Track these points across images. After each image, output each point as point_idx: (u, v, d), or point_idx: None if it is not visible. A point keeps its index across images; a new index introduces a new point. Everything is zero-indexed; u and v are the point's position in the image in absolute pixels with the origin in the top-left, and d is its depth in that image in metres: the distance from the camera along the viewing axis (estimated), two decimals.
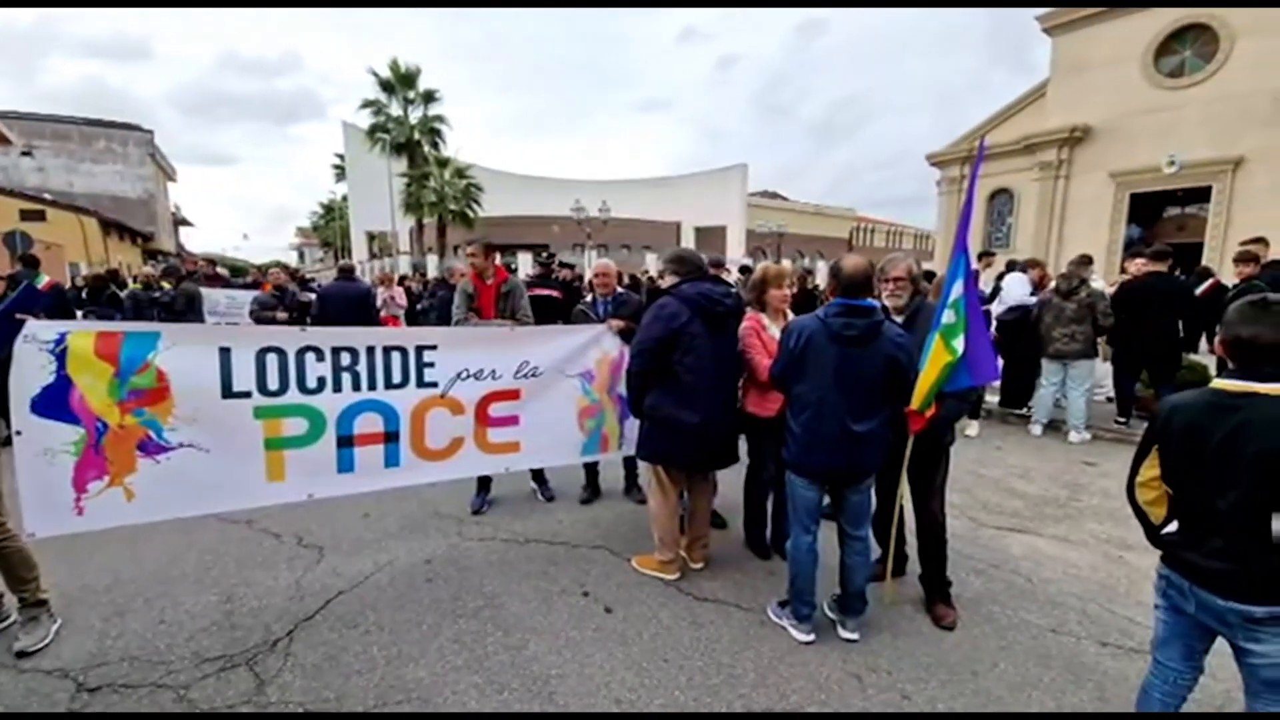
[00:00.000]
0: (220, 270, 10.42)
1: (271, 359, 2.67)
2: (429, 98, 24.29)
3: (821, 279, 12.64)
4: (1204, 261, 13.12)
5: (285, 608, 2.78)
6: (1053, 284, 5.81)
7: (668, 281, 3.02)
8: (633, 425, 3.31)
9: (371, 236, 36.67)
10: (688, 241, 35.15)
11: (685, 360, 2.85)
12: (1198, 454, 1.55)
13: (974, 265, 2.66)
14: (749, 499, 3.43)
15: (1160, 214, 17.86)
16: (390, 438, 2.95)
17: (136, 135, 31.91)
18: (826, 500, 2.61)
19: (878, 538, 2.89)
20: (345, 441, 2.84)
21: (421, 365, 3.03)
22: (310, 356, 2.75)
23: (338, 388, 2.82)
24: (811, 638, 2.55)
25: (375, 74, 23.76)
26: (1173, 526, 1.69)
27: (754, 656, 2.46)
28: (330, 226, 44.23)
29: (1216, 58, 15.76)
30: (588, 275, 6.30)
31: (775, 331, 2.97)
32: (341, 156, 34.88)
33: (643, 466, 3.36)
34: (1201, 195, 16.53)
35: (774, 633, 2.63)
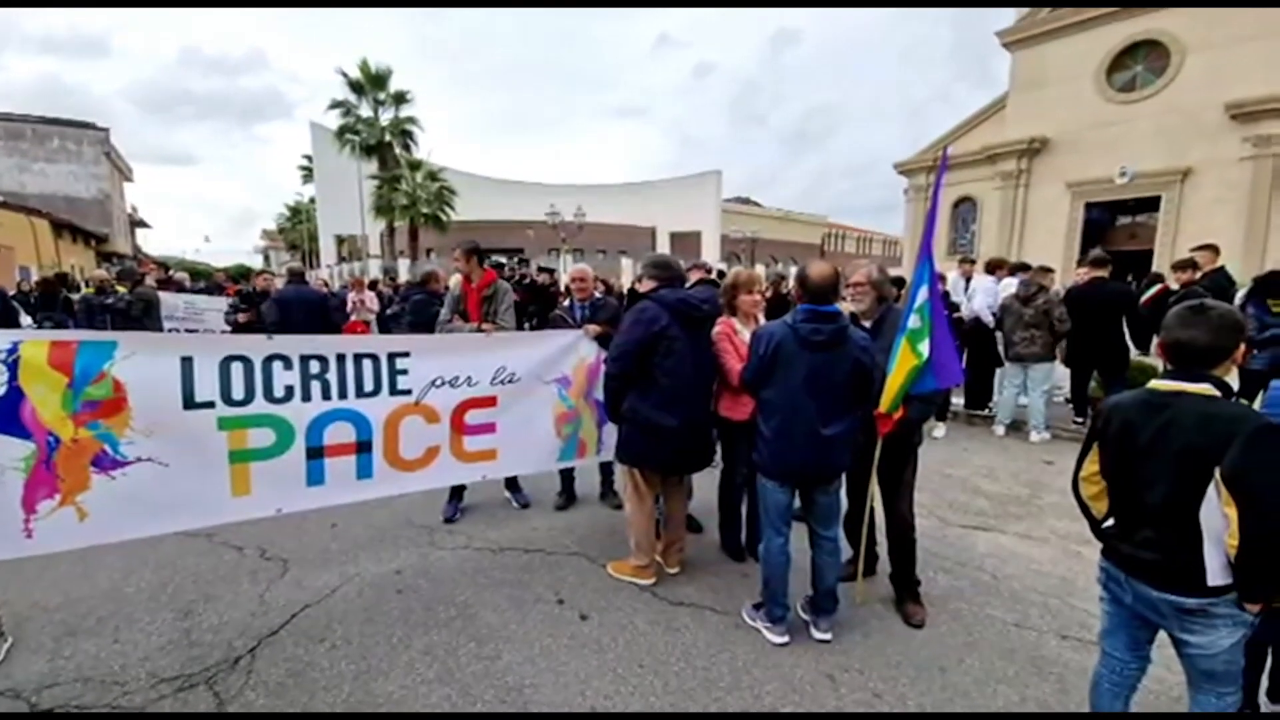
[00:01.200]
0: (176, 274, 9.99)
1: (237, 368, 2.58)
2: (400, 99, 23.91)
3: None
4: (1154, 268, 13.75)
5: (247, 624, 2.70)
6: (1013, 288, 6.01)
7: (647, 286, 3.04)
8: (610, 430, 3.31)
9: (340, 240, 35.87)
10: (663, 246, 35.31)
11: (664, 364, 2.88)
12: (1130, 449, 1.64)
13: (948, 270, 2.73)
14: (724, 502, 3.46)
15: (1114, 222, 18.66)
16: (362, 448, 2.88)
17: (91, 134, 30.68)
18: (798, 503, 2.66)
19: (849, 538, 2.96)
20: (315, 453, 2.76)
21: (394, 373, 2.97)
22: (278, 365, 2.68)
23: (307, 397, 2.74)
24: (785, 639, 2.58)
25: (344, 75, 23.29)
26: (1111, 520, 1.77)
27: (729, 660, 2.48)
28: (297, 229, 43.10)
29: (1167, 72, 16.59)
30: (563, 280, 6.29)
31: (747, 336, 3.01)
32: (309, 158, 34.05)
33: (619, 471, 3.36)
34: (1152, 205, 17.35)
35: (749, 635, 2.65)
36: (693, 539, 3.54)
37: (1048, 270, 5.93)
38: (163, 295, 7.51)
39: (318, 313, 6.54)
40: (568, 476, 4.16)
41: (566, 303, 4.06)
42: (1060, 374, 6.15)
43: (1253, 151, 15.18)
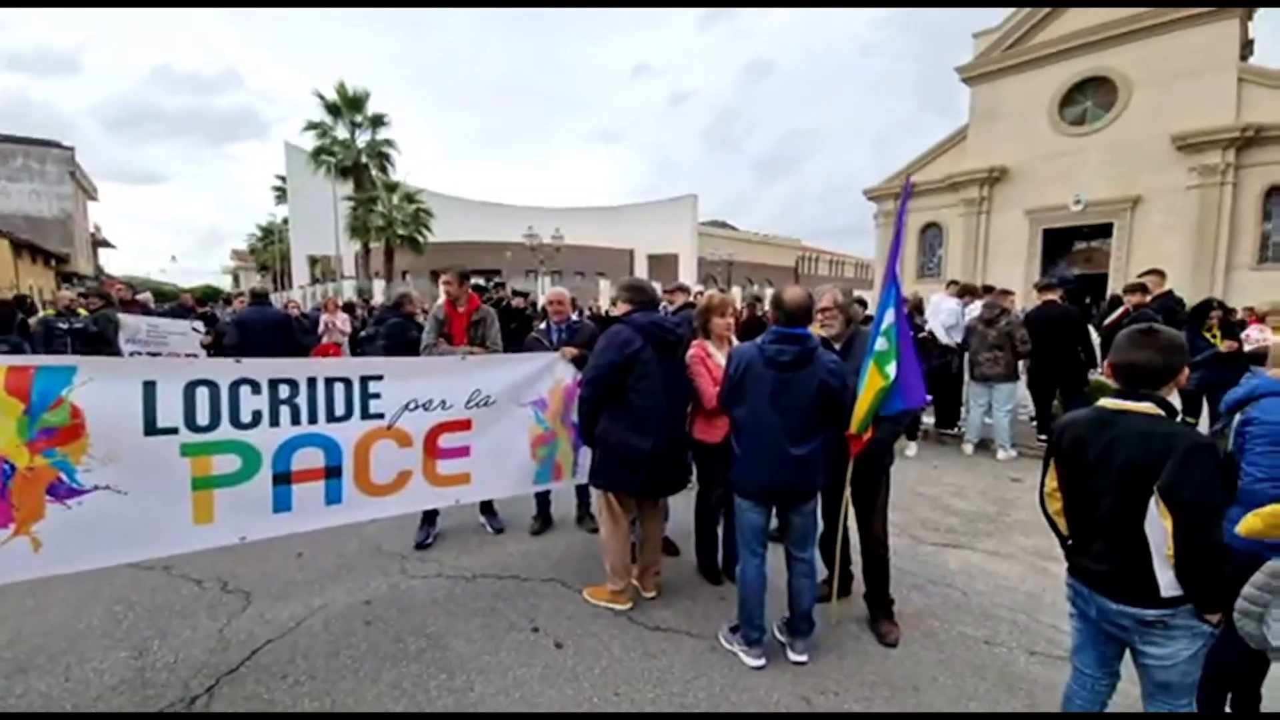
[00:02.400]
0: (141, 295, 9.67)
1: (202, 392, 2.52)
2: (378, 121, 23.95)
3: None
4: (1110, 290, 14.38)
5: (205, 661, 2.58)
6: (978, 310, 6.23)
7: (621, 309, 3.07)
8: (586, 453, 3.31)
9: (314, 260, 35.35)
10: (641, 268, 35.67)
11: (637, 386, 2.90)
12: (1081, 465, 1.71)
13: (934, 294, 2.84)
14: (700, 524, 3.46)
15: (1070, 247, 19.53)
16: (331, 473, 2.82)
17: (56, 152, 29.99)
18: (774, 524, 2.68)
19: (824, 558, 2.98)
20: (282, 478, 2.70)
21: (367, 396, 2.93)
22: (245, 389, 2.62)
23: (275, 421, 2.68)
24: (762, 662, 2.58)
25: (321, 97, 23.28)
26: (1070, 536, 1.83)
27: (706, 685, 2.47)
28: (269, 249, 42.36)
29: (1115, 107, 17.64)
30: (541, 302, 6.30)
31: (720, 359, 3.06)
32: (283, 178, 33.70)
33: (595, 494, 3.35)
34: (1105, 231, 18.24)
35: (725, 659, 2.64)
36: (669, 562, 3.52)
37: (1007, 293, 6.18)
38: (124, 318, 7.25)
39: (280, 334, 6.43)
40: (544, 500, 4.12)
41: (543, 325, 4.07)
42: (1024, 393, 6.37)
43: (1198, 180, 16.14)
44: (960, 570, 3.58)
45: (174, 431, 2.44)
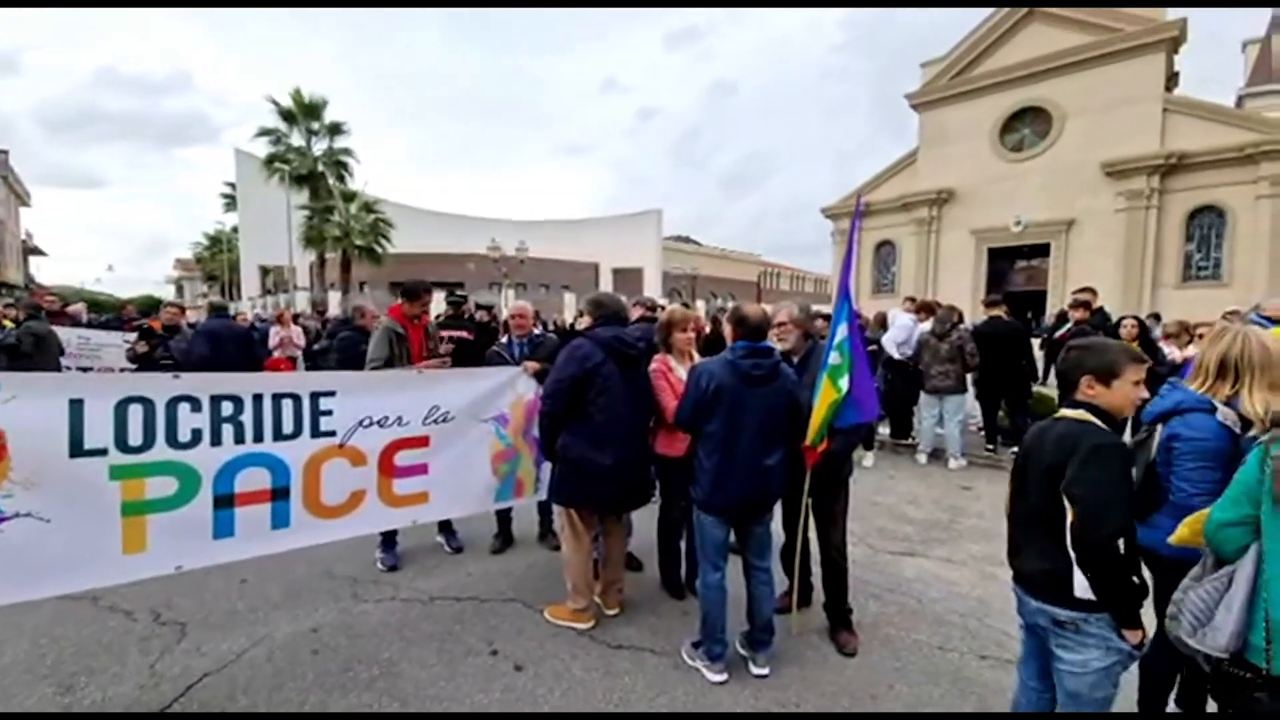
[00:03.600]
0: (73, 306, 9.05)
1: (135, 410, 2.37)
2: (335, 130, 23.33)
3: None
4: (1049, 307, 15.22)
5: (135, 698, 2.41)
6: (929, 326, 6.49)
7: (585, 323, 3.07)
8: (549, 469, 3.26)
9: (266, 270, 34.05)
10: (606, 282, 35.75)
11: (598, 401, 2.89)
12: (1022, 468, 1.83)
13: (857, 308, 2.94)
14: (663, 538, 3.45)
15: (1012, 265, 20.62)
16: (278, 494, 2.69)
17: None
18: (733, 536, 2.70)
19: (785, 570, 3.02)
20: (224, 501, 2.55)
21: (318, 413, 2.81)
22: (184, 407, 2.48)
23: (216, 441, 2.54)
24: (724, 677, 2.57)
25: (275, 103, 22.53)
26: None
27: (668, 703, 2.44)
28: (217, 259, 40.57)
29: (1050, 135, 18.82)
30: (504, 315, 6.22)
31: (682, 373, 3.08)
32: (233, 185, 32.44)
33: (557, 511, 3.30)
34: (1044, 250, 19.34)
35: (688, 676, 2.62)
36: (633, 577, 3.50)
37: (954, 309, 6.47)
38: (54, 330, 6.80)
39: (246, 348, 6.28)
40: (505, 518, 4.04)
41: (505, 339, 4.02)
42: (973, 404, 6.64)
43: (1126, 204, 17.34)
44: (915, 578, 3.67)
45: (103, 453, 2.28)
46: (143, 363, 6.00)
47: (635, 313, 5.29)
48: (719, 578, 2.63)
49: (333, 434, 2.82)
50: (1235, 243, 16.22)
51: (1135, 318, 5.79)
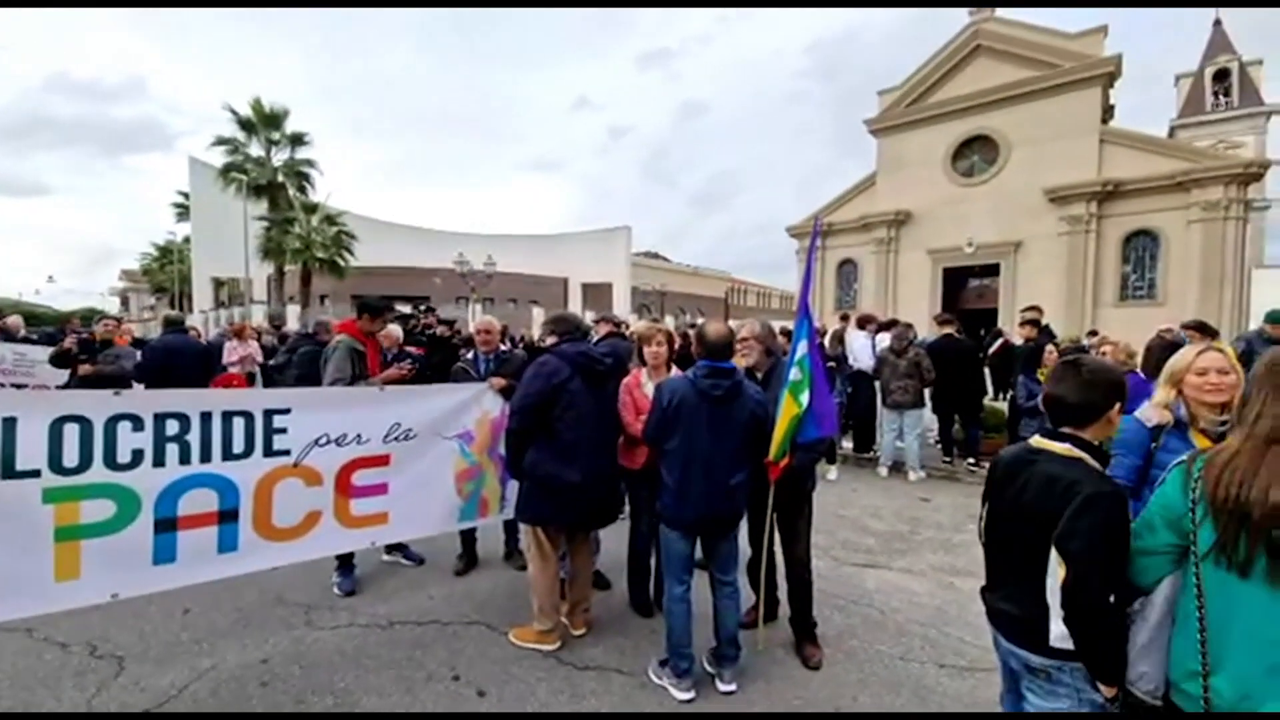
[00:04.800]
0: (9, 320, 8.50)
1: (71, 429, 2.24)
2: (297, 140, 22.77)
3: None
4: (999, 324, 15.92)
5: None
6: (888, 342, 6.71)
7: (549, 341, 3.06)
8: (515, 487, 3.21)
9: (219, 283, 32.77)
10: (575, 297, 35.71)
11: (565, 417, 2.87)
12: (999, 501, 1.66)
13: (818, 324, 3.01)
14: (633, 555, 3.42)
15: (965, 284, 21.53)
16: (226, 517, 2.56)
17: None
18: (699, 551, 2.71)
19: (751, 584, 3.04)
20: (165, 525, 2.42)
21: (271, 431, 2.70)
22: (125, 425, 2.35)
23: (160, 461, 2.41)
24: (691, 695, 2.56)
25: (233, 112, 21.89)
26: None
27: None
28: (166, 270, 38.86)
29: (998, 162, 19.85)
30: (471, 329, 6.14)
31: (650, 389, 3.10)
32: (186, 194, 31.24)
33: (524, 529, 3.25)
34: (994, 270, 20.27)
35: (655, 695, 2.60)
36: (601, 596, 3.46)
37: (909, 326, 6.72)
38: None
39: (205, 365, 6.10)
40: (469, 537, 3.95)
41: (470, 355, 3.97)
42: (930, 418, 6.87)
43: (1067, 228, 18.37)
44: (877, 589, 3.74)
45: (35, 475, 2.15)
46: (86, 380, 5.65)
47: (602, 329, 5.32)
48: (683, 591, 2.63)
49: (286, 453, 2.72)
50: (1168, 264, 17.34)
51: (1055, 343, 6.03)
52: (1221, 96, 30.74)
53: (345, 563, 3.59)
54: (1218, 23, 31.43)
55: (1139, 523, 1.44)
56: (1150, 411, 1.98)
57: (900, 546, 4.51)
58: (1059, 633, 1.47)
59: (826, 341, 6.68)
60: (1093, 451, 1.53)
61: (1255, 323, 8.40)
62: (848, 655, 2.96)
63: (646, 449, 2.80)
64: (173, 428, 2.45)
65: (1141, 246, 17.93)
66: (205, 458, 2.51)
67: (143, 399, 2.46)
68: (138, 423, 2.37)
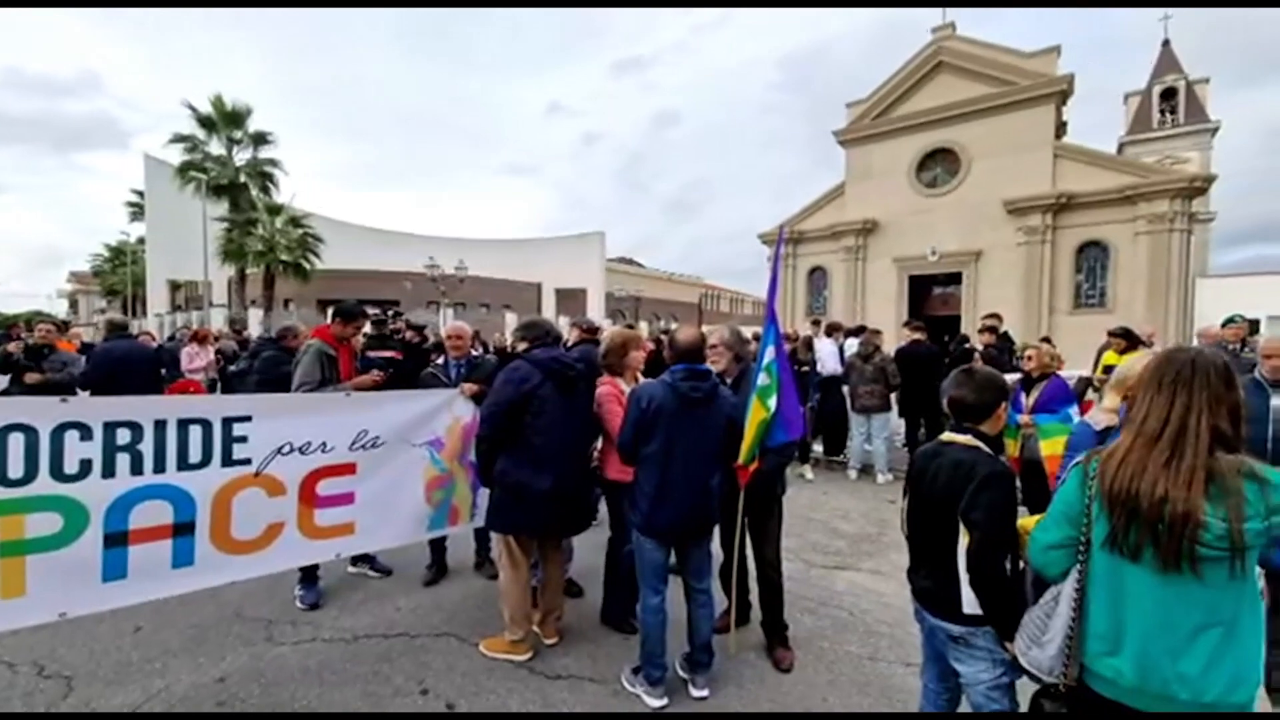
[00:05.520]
0: None
1: (15, 439, 2.13)
2: (260, 139, 22.14)
3: None
4: (962, 330, 16.43)
5: None
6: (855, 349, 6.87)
7: (521, 347, 3.04)
8: (486, 494, 3.17)
9: (176, 285, 31.55)
10: (549, 302, 35.52)
11: (536, 424, 2.85)
12: (916, 489, 1.92)
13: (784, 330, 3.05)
14: (611, 570, 3.30)
15: (930, 292, 22.17)
16: (181, 530, 2.46)
17: None
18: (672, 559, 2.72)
19: (724, 588, 3.06)
20: (116, 539, 2.31)
21: (230, 439, 2.60)
22: (72, 435, 2.24)
23: (110, 472, 2.31)
24: (664, 702, 2.56)
25: (192, 109, 21.15)
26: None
27: None
28: (119, 272, 37.24)
29: (960, 174, 20.52)
30: (442, 334, 6.03)
31: None
32: (142, 194, 30.04)
33: (495, 538, 3.20)
34: (957, 278, 20.93)
35: (628, 702, 2.59)
36: (573, 604, 3.43)
37: (877, 332, 6.90)
38: None
39: (154, 371, 5.87)
40: (439, 546, 3.88)
41: (441, 360, 3.91)
42: (897, 422, 7.05)
43: (1025, 239, 19.09)
44: (847, 591, 3.81)
45: None
46: (32, 389, 5.33)
47: (574, 335, 5.30)
48: (659, 601, 2.63)
49: (247, 462, 2.63)
50: (1117, 274, 18.16)
51: (1045, 339, 6.36)
52: (1168, 114, 32.42)
53: (309, 575, 3.49)
54: (1166, 43, 33.17)
55: (1045, 519, 1.54)
56: (1099, 415, 2.11)
57: (869, 548, 4.60)
58: (969, 598, 1.71)
59: (799, 347, 6.78)
60: (988, 441, 1.82)
61: (1201, 324, 8.90)
62: (818, 657, 3.01)
63: None
64: (124, 437, 2.35)
65: (1093, 257, 18.74)
66: (159, 468, 2.41)
67: (92, 407, 2.35)
68: (86, 431, 2.27)
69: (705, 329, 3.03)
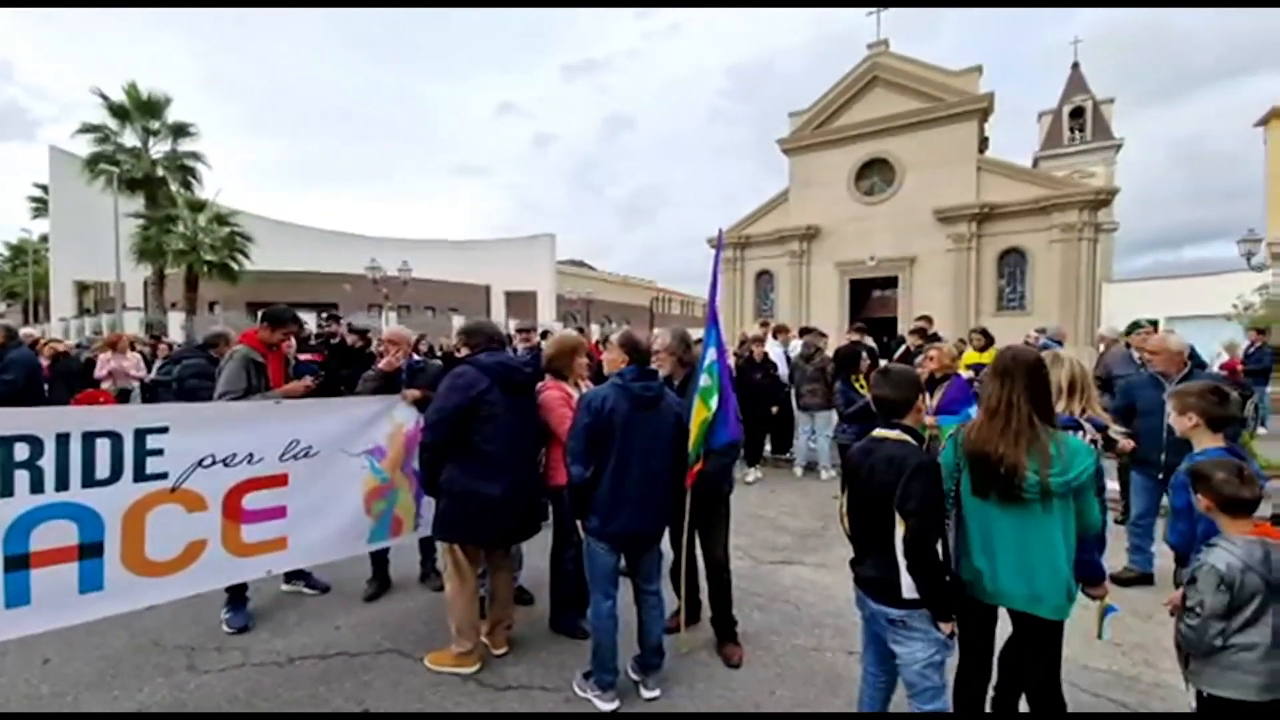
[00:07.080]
0: None
1: None
2: (180, 131, 20.65)
3: None
4: (900, 331, 17.25)
5: None
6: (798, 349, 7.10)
7: (464, 353, 2.96)
8: (430, 503, 3.07)
9: (84, 287, 29.03)
10: (498, 305, 34.84)
11: (484, 430, 2.78)
12: (854, 484, 2.04)
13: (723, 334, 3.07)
14: (558, 578, 3.26)
15: (869, 295, 23.20)
16: (88, 551, 2.26)
17: None
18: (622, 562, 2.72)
19: (675, 588, 3.08)
20: (16, 563, 2.11)
21: (144, 453, 2.41)
22: None
23: (7, 490, 2.10)
24: (615, 704, 2.55)
25: (104, 96, 19.52)
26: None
27: None
28: (19, 273, 33.88)
29: (894, 183, 21.60)
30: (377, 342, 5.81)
31: None
32: (45, 188, 27.49)
33: (440, 548, 3.10)
34: (894, 282, 22.00)
35: (578, 709, 2.57)
36: (523, 611, 3.37)
37: (822, 334, 7.16)
38: None
39: (38, 380, 5.32)
40: (381, 559, 3.72)
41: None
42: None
43: (953, 245, 20.29)
44: (793, 585, 3.92)
45: None
46: None
47: (531, 339, 5.24)
48: (610, 606, 2.62)
49: (163, 476, 2.45)
50: (1035, 278, 19.60)
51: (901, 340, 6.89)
52: (1077, 132, 35.24)
53: (237, 596, 3.28)
54: (1075, 65, 36.05)
55: None
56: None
57: (814, 543, 4.75)
58: (907, 583, 1.85)
59: (754, 350, 6.89)
60: (913, 434, 1.99)
61: (1107, 324, 9.73)
62: (766, 651, 3.07)
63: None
64: (22, 452, 2.15)
65: (1013, 263, 20.13)
66: (62, 485, 2.22)
67: None
68: None
69: (658, 330, 3.07)
